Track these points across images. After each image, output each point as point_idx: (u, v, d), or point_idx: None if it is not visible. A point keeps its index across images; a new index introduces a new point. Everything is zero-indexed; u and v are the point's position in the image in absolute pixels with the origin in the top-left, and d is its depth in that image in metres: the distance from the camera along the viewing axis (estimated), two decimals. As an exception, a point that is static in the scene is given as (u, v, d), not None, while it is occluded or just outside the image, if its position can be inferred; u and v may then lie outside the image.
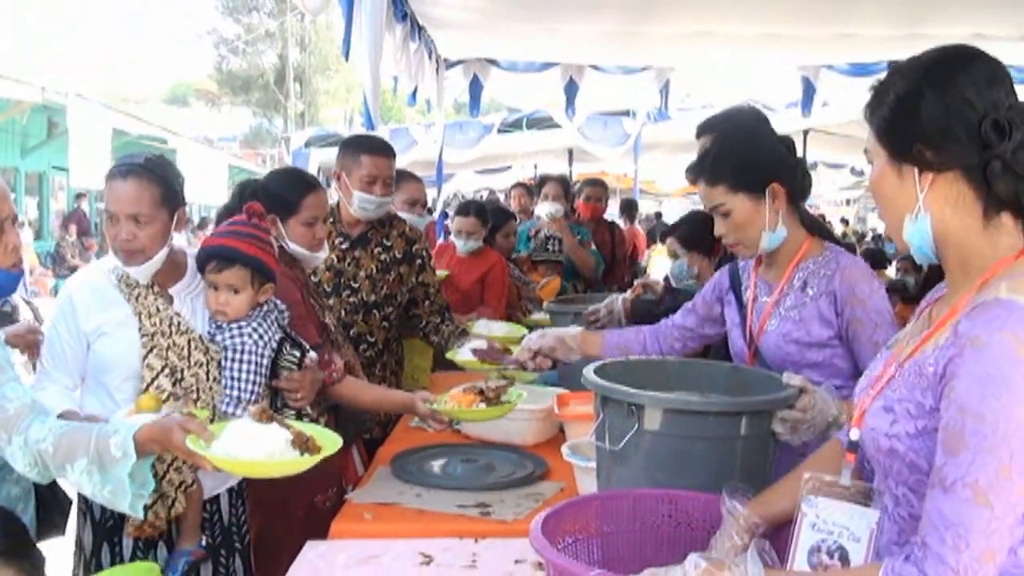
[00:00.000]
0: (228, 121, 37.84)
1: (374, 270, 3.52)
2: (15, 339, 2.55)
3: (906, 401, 1.34)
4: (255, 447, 1.91)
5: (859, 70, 7.25)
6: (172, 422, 1.95)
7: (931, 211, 1.35)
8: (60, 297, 2.45)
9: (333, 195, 3.56)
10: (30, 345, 2.60)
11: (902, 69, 1.39)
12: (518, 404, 2.67)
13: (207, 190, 15.75)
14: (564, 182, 6.04)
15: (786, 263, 2.30)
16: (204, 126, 31.79)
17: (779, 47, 6.53)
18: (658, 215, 21.20)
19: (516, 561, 2.08)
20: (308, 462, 1.96)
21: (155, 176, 2.34)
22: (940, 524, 1.22)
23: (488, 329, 3.55)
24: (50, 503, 2.47)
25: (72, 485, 1.98)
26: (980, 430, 1.20)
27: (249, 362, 2.40)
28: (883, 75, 1.44)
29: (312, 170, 10.90)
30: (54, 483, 2.54)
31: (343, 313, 3.44)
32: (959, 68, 1.34)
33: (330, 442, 2.03)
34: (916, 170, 1.35)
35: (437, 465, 2.77)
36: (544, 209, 5.62)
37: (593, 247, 5.82)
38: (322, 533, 2.35)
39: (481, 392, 2.60)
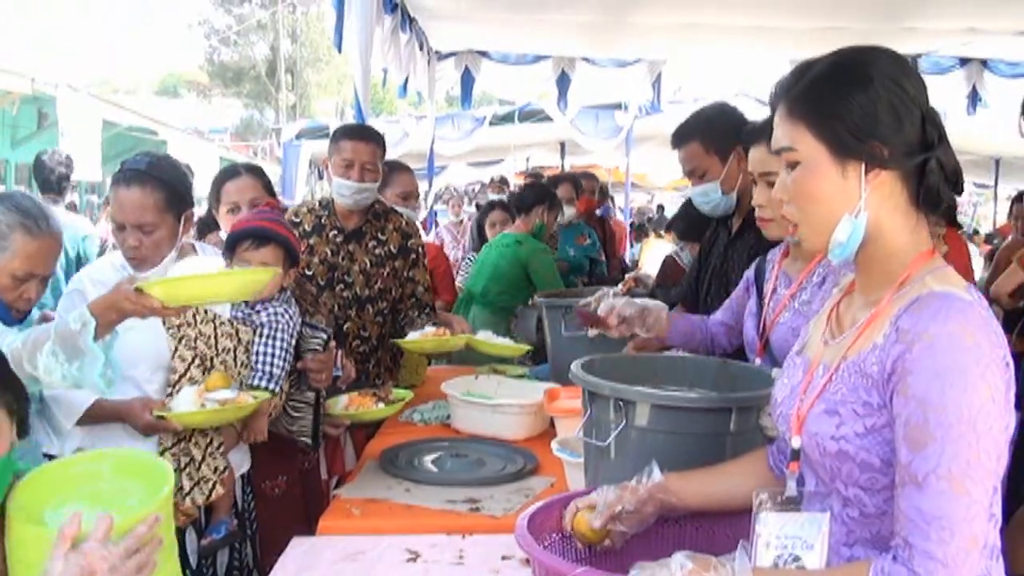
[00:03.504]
0: (219, 112, 37.56)
1: (368, 264, 3.49)
2: None
3: (850, 402, 1.34)
4: (196, 268, 2.09)
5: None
6: (119, 280, 2.09)
7: (869, 209, 1.34)
8: (71, 291, 2.44)
9: (326, 187, 3.57)
10: None
11: (846, 66, 1.36)
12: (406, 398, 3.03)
13: (198, 182, 15.66)
14: (576, 183, 6.06)
15: (810, 258, 2.26)
16: (195, 117, 31.56)
17: (770, 40, 6.52)
18: (660, 208, 21.15)
19: (503, 557, 2.08)
20: (254, 273, 2.20)
21: (158, 181, 2.35)
22: (920, 520, 1.21)
23: (487, 339, 3.56)
24: None
25: (44, 374, 2.05)
26: (944, 420, 1.21)
27: (282, 339, 2.50)
28: (803, 68, 1.40)
29: (304, 162, 10.89)
30: None
31: (336, 308, 3.42)
32: (903, 67, 1.35)
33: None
34: (863, 167, 1.33)
35: (427, 460, 2.76)
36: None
37: (588, 241, 5.86)
38: (273, 521, 2.51)
39: (375, 394, 2.90)
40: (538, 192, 5.11)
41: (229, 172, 3.03)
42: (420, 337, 3.27)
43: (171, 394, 2.31)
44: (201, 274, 2.04)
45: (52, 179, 5.40)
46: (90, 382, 2.05)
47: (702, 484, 1.67)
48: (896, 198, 1.36)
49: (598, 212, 6.98)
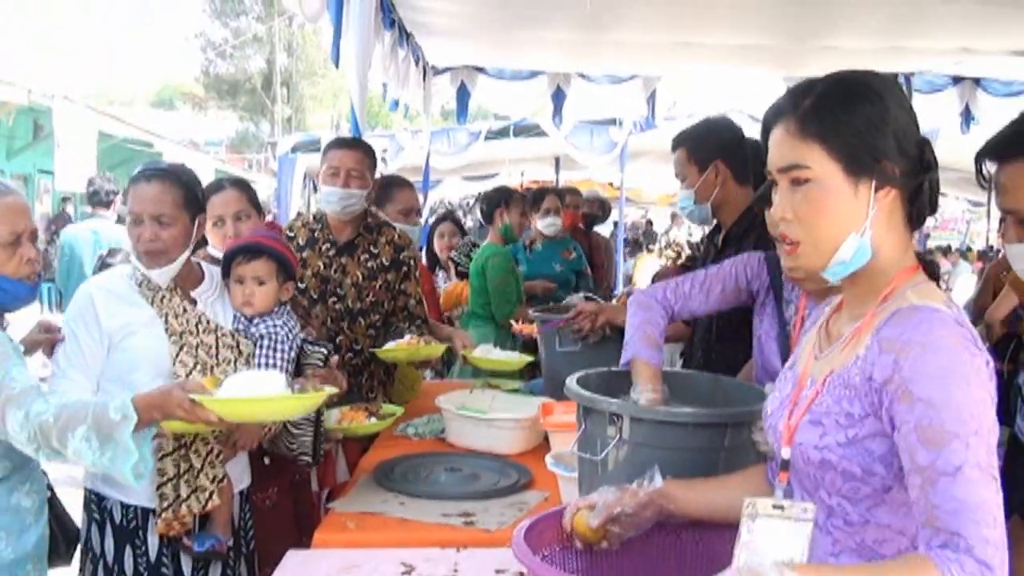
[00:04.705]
0: (214, 125, 37.63)
1: (360, 277, 3.50)
2: (29, 337, 2.53)
3: (834, 413, 1.38)
4: (257, 390, 2.00)
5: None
6: (170, 385, 2.02)
7: (872, 228, 1.38)
8: (78, 298, 2.44)
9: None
10: (47, 344, 2.56)
11: (855, 86, 1.39)
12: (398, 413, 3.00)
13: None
14: (560, 196, 6.12)
15: (816, 287, 2.06)
16: (190, 130, 31.64)
17: (763, 58, 6.55)
18: (649, 222, 21.22)
19: (497, 571, 2.08)
20: (312, 398, 2.11)
21: (178, 180, 2.41)
22: (964, 510, 1.22)
23: (486, 354, 3.56)
24: (56, 533, 2.44)
25: (72, 456, 1.99)
26: (959, 417, 1.24)
27: (282, 351, 2.50)
28: (805, 88, 1.42)
29: (299, 176, 10.88)
30: (64, 513, 2.51)
31: (328, 320, 3.43)
32: (902, 90, 1.41)
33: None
34: (873, 185, 1.37)
35: (421, 474, 2.77)
36: (543, 224, 5.69)
37: (574, 255, 5.89)
38: (263, 533, 2.53)
39: (367, 408, 2.92)
40: (493, 198, 5.29)
41: (214, 186, 3.04)
42: (395, 346, 3.29)
43: None
44: (260, 397, 2.01)
45: (101, 193, 6.27)
46: (120, 475, 1.99)
47: (702, 493, 1.69)
48: (895, 217, 1.40)
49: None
